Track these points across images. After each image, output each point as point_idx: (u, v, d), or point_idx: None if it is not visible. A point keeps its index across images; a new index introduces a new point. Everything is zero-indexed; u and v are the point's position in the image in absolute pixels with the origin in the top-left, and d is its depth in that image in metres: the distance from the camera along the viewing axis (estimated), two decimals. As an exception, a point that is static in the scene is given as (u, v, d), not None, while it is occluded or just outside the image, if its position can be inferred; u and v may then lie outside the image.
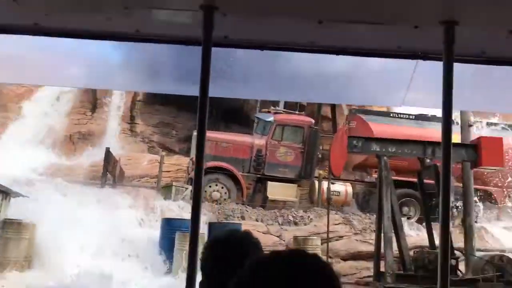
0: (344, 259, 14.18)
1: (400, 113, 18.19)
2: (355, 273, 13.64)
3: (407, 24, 2.28)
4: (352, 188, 17.28)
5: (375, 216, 12.87)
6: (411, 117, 17.98)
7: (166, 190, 16.18)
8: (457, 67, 2.54)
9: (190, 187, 16.34)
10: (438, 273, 2.24)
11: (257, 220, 15.06)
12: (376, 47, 2.54)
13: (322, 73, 2.72)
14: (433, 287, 11.05)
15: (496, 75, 2.66)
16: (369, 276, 12.86)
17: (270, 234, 14.51)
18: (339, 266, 13.79)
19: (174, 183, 16.48)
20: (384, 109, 20.69)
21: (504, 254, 12.45)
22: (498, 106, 3.51)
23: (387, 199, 11.80)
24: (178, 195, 15.88)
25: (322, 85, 2.84)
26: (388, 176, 11.99)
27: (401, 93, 2.78)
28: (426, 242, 13.63)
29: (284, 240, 14.25)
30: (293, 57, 2.55)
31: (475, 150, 11.67)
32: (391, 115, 18.01)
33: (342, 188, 17.03)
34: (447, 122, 2.26)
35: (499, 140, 12.27)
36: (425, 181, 12.84)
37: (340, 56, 2.53)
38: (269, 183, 16.94)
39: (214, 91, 2.40)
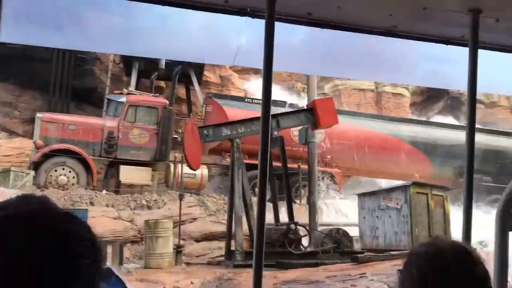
0: (198, 240, 14.25)
1: (255, 98, 18.79)
2: (207, 254, 13.79)
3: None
4: (208, 171, 17.40)
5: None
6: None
7: (3, 176, 14.68)
8: (287, 27, 2.56)
9: (32, 173, 15.08)
10: (254, 253, 2.24)
11: (107, 206, 14.41)
12: (204, 0, 2.44)
13: (142, 26, 2.55)
14: (278, 261, 11.64)
15: (324, 38, 2.73)
16: (221, 256, 13.10)
17: (121, 219, 13.99)
18: (192, 247, 13.82)
19: (12, 168, 15.02)
20: (242, 94, 21.19)
21: (341, 227, 13.59)
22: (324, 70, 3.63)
23: (238, 180, 12.10)
24: (17, 181, 14.52)
25: (143, 39, 2.68)
26: (240, 158, 12.29)
27: (231, 51, 2.72)
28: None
29: (136, 225, 13.85)
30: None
31: (312, 113, 12.57)
32: (246, 100, 18.54)
33: (197, 171, 17.07)
34: (267, 83, 2.23)
35: (330, 100, 13.38)
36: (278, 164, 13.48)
37: (166, 8, 2.38)
38: (122, 166, 16.30)
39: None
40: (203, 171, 17.05)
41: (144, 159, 16.64)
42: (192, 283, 10.12)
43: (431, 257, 1.32)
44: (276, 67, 2.38)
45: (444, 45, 2.83)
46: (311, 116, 12.66)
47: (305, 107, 14.24)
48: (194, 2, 2.44)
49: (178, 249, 12.42)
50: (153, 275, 10.90)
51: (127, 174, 16.29)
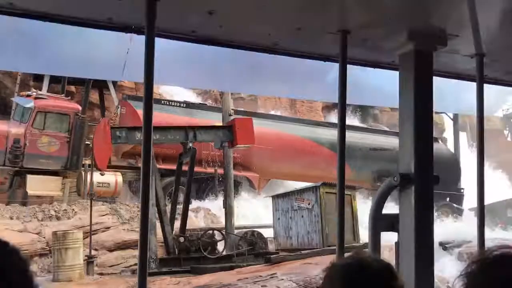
0: (111, 250, 13.92)
1: (172, 101, 18.62)
2: (121, 263, 13.51)
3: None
4: (123, 177, 17.01)
5: (143, 204, 12.92)
6: (182, 105, 18.58)
7: None
8: (166, 43, 2.68)
9: None
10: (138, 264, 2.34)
11: (11, 218, 13.67)
12: (87, 17, 2.49)
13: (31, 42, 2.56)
14: (192, 266, 11.65)
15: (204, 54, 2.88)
16: (135, 264, 12.90)
17: (27, 232, 13.34)
18: (105, 257, 13.49)
19: None
20: (157, 96, 20.91)
21: (255, 230, 13.92)
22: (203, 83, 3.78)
23: (151, 186, 11.99)
24: None
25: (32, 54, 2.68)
26: (153, 163, 12.21)
27: (119, 67, 2.79)
28: (197, 226, 14.34)
29: (44, 237, 13.27)
30: None
31: (230, 131, 12.79)
32: (162, 102, 18.27)
33: (112, 178, 16.60)
34: (148, 96, 2.33)
35: (250, 120, 13.67)
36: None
37: (58, 25, 2.42)
38: (29, 176, 15.49)
39: None
40: (117, 178, 16.65)
41: (54, 168, 15.94)
42: (104, 294, 9.91)
43: (354, 270, 1.38)
44: (160, 80, 2.50)
45: (322, 62, 3.09)
46: (229, 133, 12.82)
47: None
48: (79, 19, 2.49)
49: (89, 260, 12.09)
50: (62, 288, 10.56)
51: (35, 184, 15.51)
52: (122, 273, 12.53)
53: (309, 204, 13.91)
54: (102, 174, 14.84)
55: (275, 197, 14.73)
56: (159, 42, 2.53)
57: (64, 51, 2.73)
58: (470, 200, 18.29)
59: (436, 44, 2.81)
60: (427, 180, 2.81)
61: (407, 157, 2.83)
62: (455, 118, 23.90)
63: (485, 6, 2.46)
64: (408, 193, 2.80)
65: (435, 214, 3.03)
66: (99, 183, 14.48)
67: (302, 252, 12.34)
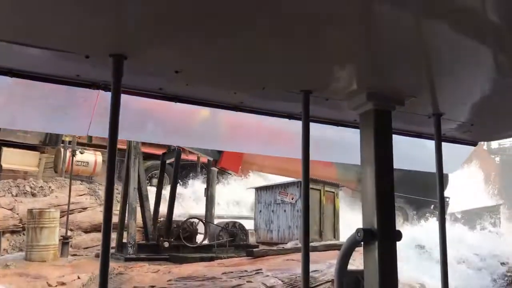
0: (87, 231, 13.32)
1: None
2: (96, 245, 12.83)
3: (79, 53, 2.35)
4: (103, 157, 16.51)
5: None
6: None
7: None
8: (131, 99, 2.74)
9: None
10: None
11: (-17, 192, 13.03)
12: (55, 74, 2.55)
13: None
14: (171, 254, 11.19)
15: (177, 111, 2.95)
16: (112, 248, 12.28)
17: (0, 207, 12.68)
18: (80, 238, 12.88)
19: None
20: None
21: (237, 221, 13.60)
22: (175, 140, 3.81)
23: (134, 170, 11.75)
24: None
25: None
26: (137, 146, 12.03)
27: (86, 122, 2.83)
28: (179, 214, 13.97)
29: (17, 214, 12.63)
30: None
31: (220, 152, 12.80)
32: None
33: (91, 158, 16.20)
34: (112, 146, 2.36)
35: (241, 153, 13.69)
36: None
37: (15, 80, 2.46)
38: (5, 149, 14.93)
39: None
40: (97, 157, 16.22)
41: (32, 142, 15.43)
42: (78, 277, 9.28)
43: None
44: (125, 136, 2.54)
45: (286, 119, 3.19)
46: (218, 154, 12.88)
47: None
48: (47, 75, 2.55)
49: (64, 241, 11.51)
50: (35, 269, 9.84)
51: (11, 158, 14.93)
52: (97, 256, 11.98)
53: (292, 199, 13.83)
54: (81, 153, 14.55)
55: (258, 189, 14.61)
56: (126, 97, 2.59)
57: (31, 106, 2.77)
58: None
59: (394, 104, 2.94)
60: (389, 236, 2.86)
61: (369, 213, 2.88)
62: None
63: (441, 70, 2.61)
64: (372, 249, 2.83)
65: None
66: (77, 161, 14.10)
67: (284, 247, 12.13)
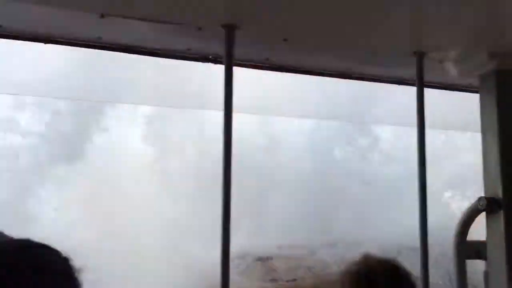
0: None
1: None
2: None
3: (192, 25, 2.34)
4: None
5: None
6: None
7: None
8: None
9: None
10: None
11: None
12: (166, 48, 2.57)
13: (111, 72, 2.66)
14: None
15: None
16: None
17: None
18: None
19: None
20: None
21: None
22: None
23: None
24: None
25: (110, 84, 2.78)
26: None
27: (199, 97, 2.84)
28: None
29: None
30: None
31: None
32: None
33: None
34: (227, 125, 2.34)
35: None
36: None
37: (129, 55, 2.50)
38: None
39: None
40: None
41: None
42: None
43: (362, 275, 1.44)
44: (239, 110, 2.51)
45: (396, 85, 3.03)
46: None
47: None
48: (159, 50, 2.57)
49: None
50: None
51: None
52: None
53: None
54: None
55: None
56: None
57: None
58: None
59: (520, 62, 2.70)
60: (516, 205, 2.65)
61: (492, 181, 2.68)
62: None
63: None
64: (497, 219, 2.65)
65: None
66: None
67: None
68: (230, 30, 2.35)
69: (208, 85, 2.70)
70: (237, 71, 2.69)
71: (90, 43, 2.42)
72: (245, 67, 2.72)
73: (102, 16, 2.18)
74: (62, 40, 2.41)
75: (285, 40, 2.51)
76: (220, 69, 2.66)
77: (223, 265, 2.24)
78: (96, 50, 2.44)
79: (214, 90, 2.54)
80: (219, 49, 2.48)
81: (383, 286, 1.43)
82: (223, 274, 2.25)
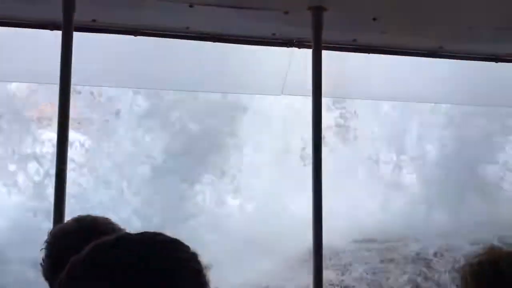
0: None
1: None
2: None
3: (278, 9, 2.29)
4: None
5: None
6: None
7: None
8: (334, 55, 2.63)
9: None
10: None
11: None
12: (250, 35, 2.55)
13: (196, 60, 2.67)
14: None
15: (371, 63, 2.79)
16: None
17: None
18: None
19: None
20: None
21: None
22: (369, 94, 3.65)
23: None
24: None
25: (196, 73, 2.79)
26: None
27: (279, 82, 2.81)
28: None
29: None
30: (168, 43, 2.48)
31: None
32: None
33: None
34: (317, 111, 2.29)
35: None
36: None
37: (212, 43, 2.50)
38: None
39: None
40: None
41: None
42: None
43: (486, 266, 1.34)
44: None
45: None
46: None
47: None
48: (243, 37, 2.55)
49: None
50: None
51: None
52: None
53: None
54: None
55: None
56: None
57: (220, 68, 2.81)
58: None
59: None
60: None
61: None
62: None
63: None
64: None
65: None
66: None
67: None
68: (317, 12, 2.28)
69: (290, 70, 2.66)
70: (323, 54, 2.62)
71: (178, 33, 2.44)
72: (332, 49, 2.64)
73: (191, 5, 2.18)
74: (151, 31, 2.45)
75: (374, 19, 2.41)
76: (303, 53, 2.61)
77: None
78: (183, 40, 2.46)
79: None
80: (305, 32, 2.43)
81: (510, 278, 1.32)
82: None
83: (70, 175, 2.26)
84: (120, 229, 1.62)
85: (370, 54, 2.74)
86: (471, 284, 1.35)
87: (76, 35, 2.19)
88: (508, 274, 1.31)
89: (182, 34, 2.43)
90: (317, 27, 2.30)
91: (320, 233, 2.22)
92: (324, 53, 2.62)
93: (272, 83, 2.86)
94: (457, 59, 2.79)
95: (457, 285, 1.40)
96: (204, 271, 0.88)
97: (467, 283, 1.36)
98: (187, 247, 0.87)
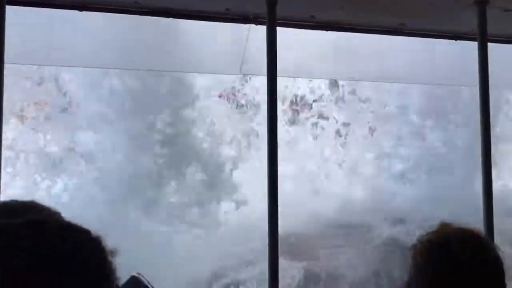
0: None
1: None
2: None
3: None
4: None
5: None
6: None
7: None
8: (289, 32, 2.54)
9: None
10: None
11: None
12: (205, 10, 2.43)
13: (148, 37, 2.55)
14: None
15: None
16: None
17: None
18: None
19: None
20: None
21: None
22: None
23: None
24: None
25: (148, 51, 2.68)
26: None
27: (237, 61, 2.71)
28: None
29: None
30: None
31: None
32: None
33: None
34: (272, 91, 2.20)
35: None
36: None
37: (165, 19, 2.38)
38: None
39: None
40: None
41: None
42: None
43: (435, 244, 1.28)
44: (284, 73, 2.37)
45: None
46: None
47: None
48: (199, 12, 2.44)
49: None
50: None
51: None
52: None
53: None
54: None
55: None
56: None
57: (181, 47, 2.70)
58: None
59: None
60: None
61: None
62: None
63: None
64: None
65: None
66: None
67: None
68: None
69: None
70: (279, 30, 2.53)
71: (127, 8, 2.32)
72: (289, 26, 2.55)
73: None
74: (97, 6, 2.32)
75: (331, -5, 2.32)
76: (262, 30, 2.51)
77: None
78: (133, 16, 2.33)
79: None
80: (261, 8, 2.33)
81: (460, 255, 1.24)
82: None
83: None
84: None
85: (329, 32, 2.65)
86: (420, 263, 1.29)
87: (13, 9, 2.05)
88: (457, 252, 1.25)
89: (131, 9, 2.30)
90: (272, 2, 2.21)
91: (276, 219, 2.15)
92: (281, 30, 2.53)
93: (230, 62, 2.76)
94: (418, 37, 2.73)
95: (409, 265, 1.34)
96: (110, 257, 0.82)
97: (417, 262, 1.30)
98: (89, 231, 0.82)
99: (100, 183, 5.58)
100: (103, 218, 5.02)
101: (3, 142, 2.00)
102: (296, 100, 6.71)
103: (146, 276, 1.83)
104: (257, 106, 6.15)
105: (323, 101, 6.75)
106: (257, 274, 5.46)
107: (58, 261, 0.78)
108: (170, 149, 5.78)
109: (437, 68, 3.20)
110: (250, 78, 5.93)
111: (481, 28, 2.46)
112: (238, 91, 6.22)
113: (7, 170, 5.26)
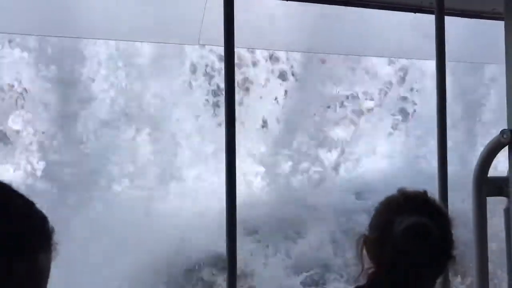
0: None
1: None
2: None
3: None
4: None
5: None
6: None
7: None
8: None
9: None
10: None
11: None
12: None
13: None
14: None
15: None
16: None
17: None
18: None
19: None
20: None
21: None
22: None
23: None
24: None
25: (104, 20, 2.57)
26: None
27: (194, 31, 2.62)
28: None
29: None
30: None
31: None
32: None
33: None
34: (229, 58, 2.15)
35: None
36: None
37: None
38: None
39: None
40: None
41: None
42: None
43: (385, 203, 1.38)
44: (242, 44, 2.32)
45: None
46: None
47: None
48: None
49: None
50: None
51: None
52: None
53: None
54: None
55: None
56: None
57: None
58: None
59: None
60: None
61: (517, 112, 2.49)
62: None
63: None
64: (520, 153, 2.48)
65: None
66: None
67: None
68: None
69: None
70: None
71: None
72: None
73: None
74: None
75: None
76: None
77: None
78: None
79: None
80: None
81: (409, 212, 1.31)
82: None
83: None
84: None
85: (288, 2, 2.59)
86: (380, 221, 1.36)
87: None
88: (405, 210, 1.33)
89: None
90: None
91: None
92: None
93: (188, 32, 2.68)
94: (372, 8, 2.71)
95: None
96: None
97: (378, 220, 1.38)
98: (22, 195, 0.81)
99: None
100: None
101: None
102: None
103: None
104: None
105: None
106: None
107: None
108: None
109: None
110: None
111: (439, 2, 2.47)
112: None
113: None
